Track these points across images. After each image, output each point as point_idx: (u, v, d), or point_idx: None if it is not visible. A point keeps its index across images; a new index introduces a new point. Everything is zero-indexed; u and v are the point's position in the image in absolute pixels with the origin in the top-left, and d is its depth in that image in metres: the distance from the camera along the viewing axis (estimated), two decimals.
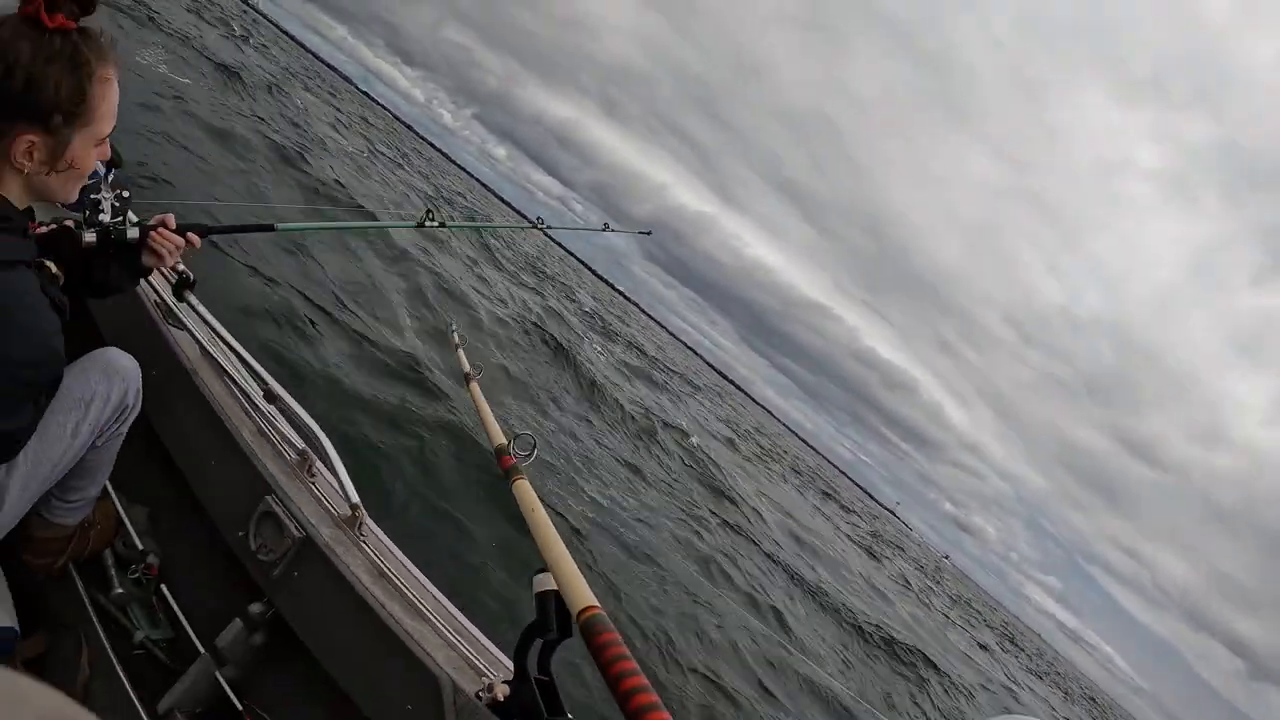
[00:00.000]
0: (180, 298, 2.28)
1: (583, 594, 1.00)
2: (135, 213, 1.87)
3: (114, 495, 2.16)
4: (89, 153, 1.46)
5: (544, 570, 1.21)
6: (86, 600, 2.03)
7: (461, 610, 1.91)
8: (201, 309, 2.31)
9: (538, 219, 3.51)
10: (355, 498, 1.95)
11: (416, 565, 1.97)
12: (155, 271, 2.30)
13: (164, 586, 2.08)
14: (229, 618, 1.93)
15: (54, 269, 1.60)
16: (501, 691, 1.48)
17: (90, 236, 1.76)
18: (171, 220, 1.88)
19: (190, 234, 1.90)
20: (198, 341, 2.30)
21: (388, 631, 1.71)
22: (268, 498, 1.95)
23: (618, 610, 5.18)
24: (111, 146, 1.64)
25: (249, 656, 1.92)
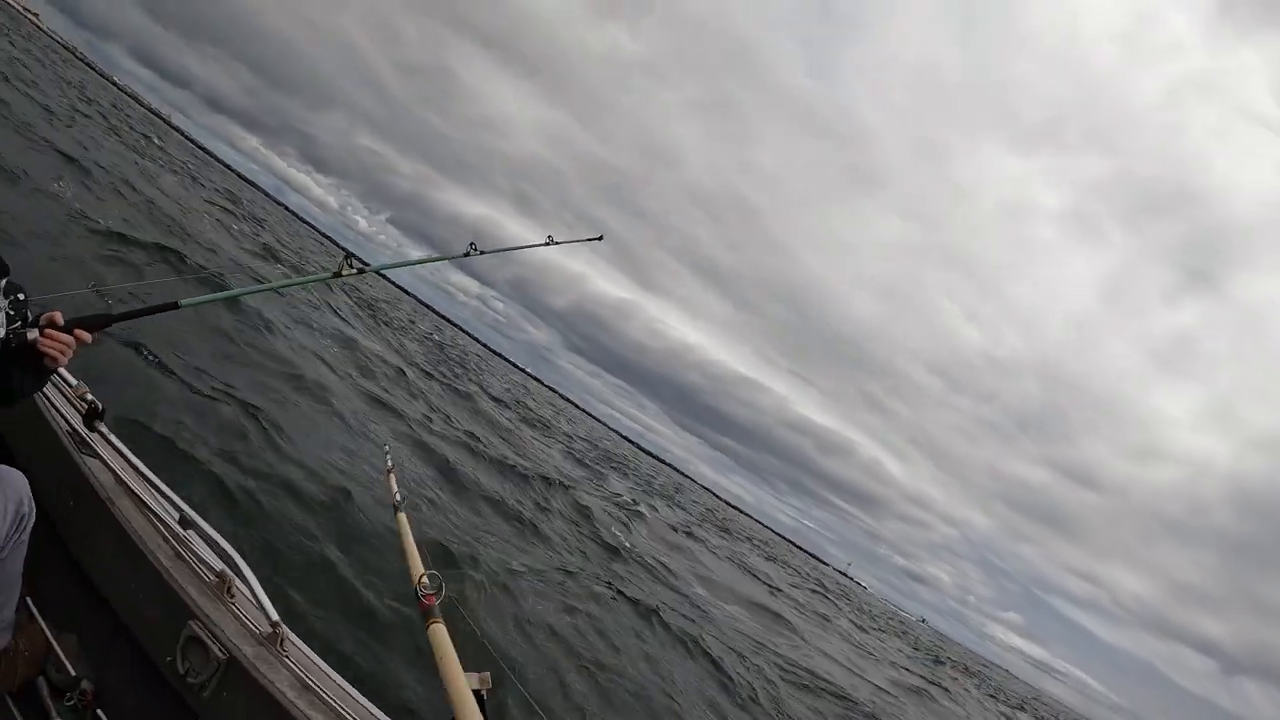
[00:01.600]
0: (91, 428, 2.34)
1: None
2: (31, 312, 1.89)
3: (41, 621, 2.19)
4: None
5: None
6: None
7: (386, 709, 1.95)
8: (113, 438, 2.36)
9: (471, 245, 3.28)
10: (275, 615, 1.97)
11: (344, 677, 2.00)
12: (65, 399, 2.45)
13: (100, 712, 2.10)
14: None
15: None
16: None
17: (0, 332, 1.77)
18: (59, 317, 1.86)
19: (78, 330, 1.87)
20: (111, 470, 2.32)
21: None
22: (191, 622, 1.97)
23: None
24: None
25: None
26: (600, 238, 3.92)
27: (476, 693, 1.46)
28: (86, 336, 1.90)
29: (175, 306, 2.27)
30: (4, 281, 1.86)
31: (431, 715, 4.09)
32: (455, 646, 1.64)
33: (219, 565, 2.14)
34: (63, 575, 2.25)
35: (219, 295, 2.83)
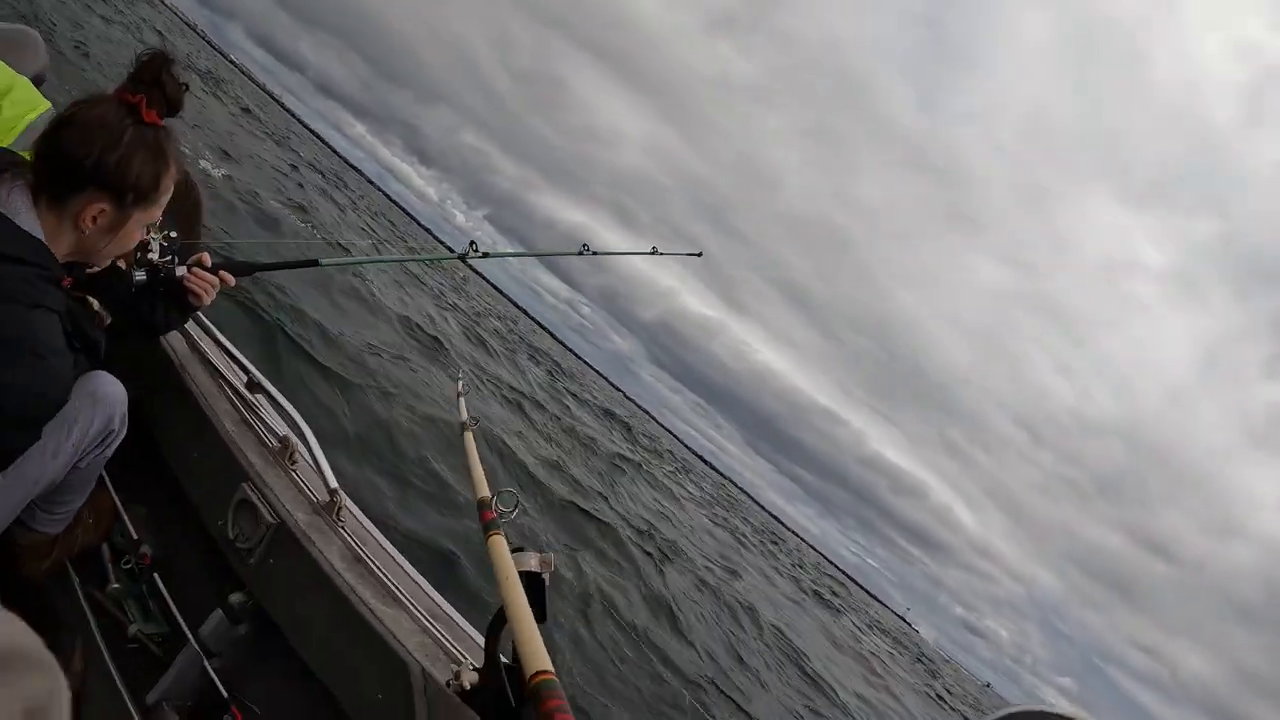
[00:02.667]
0: None
1: (538, 658, 0.98)
2: (180, 255, 1.96)
3: (112, 490, 2.17)
4: (138, 232, 1.64)
5: (522, 550, 1.31)
6: (82, 597, 2.03)
7: (440, 594, 1.89)
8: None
9: (584, 245, 3.43)
10: (334, 483, 1.94)
11: (397, 549, 1.96)
12: None
13: (157, 576, 2.07)
14: (214, 608, 1.92)
15: (96, 307, 1.79)
16: (470, 679, 1.48)
17: (140, 275, 1.84)
18: (207, 259, 1.96)
19: (223, 273, 1.97)
20: (186, 335, 2.33)
21: (360, 619, 1.69)
22: (244, 485, 1.95)
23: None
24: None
25: (234, 647, 1.91)
26: (700, 254, 4.10)
27: (536, 575, 1.37)
28: (230, 280, 1.99)
29: (315, 264, 2.36)
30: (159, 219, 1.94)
31: (491, 600, 3.94)
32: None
33: (284, 430, 2.12)
34: (135, 445, 2.15)
35: (356, 260, 3.01)
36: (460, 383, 3.10)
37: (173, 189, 1.64)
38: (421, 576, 1.92)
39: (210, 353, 2.32)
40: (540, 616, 1.16)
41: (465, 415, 2.45)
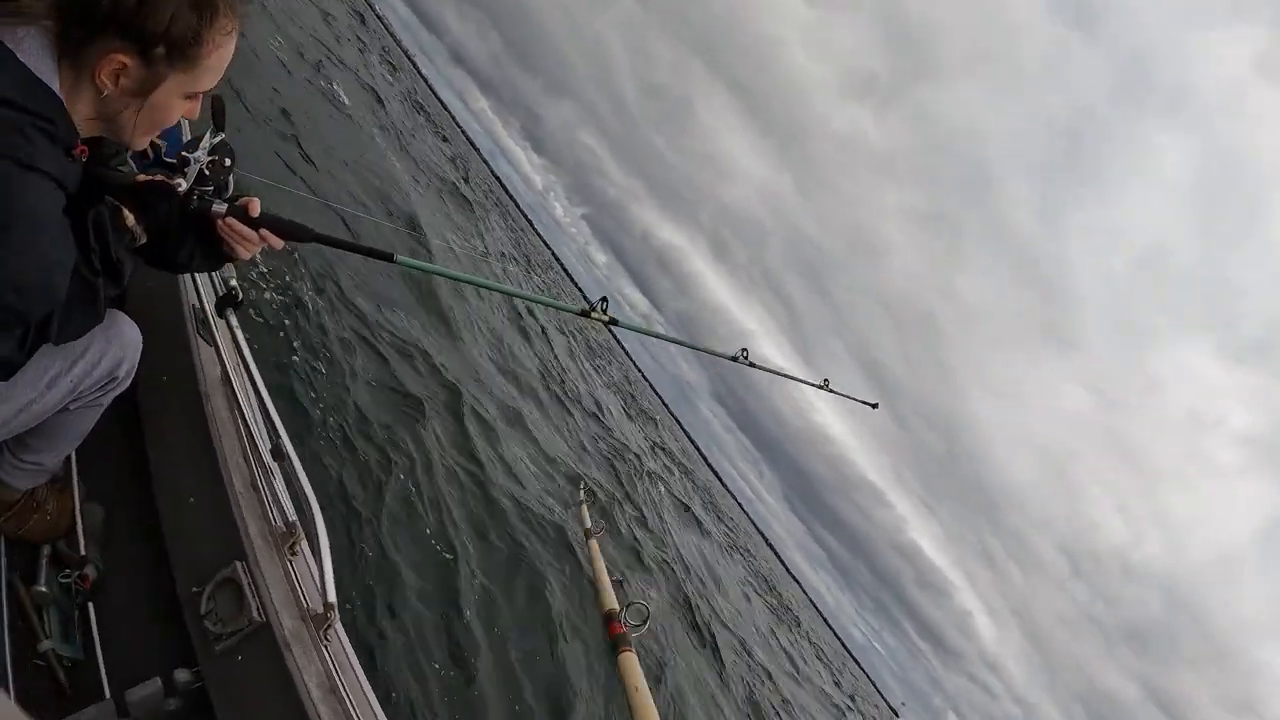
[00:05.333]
0: (221, 313, 2.11)
1: None
2: (231, 185, 1.67)
3: (76, 485, 1.97)
4: (176, 103, 1.34)
5: None
6: (3, 583, 1.78)
7: None
8: (238, 333, 2.10)
9: (742, 350, 2.84)
10: (333, 595, 1.68)
11: (376, 694, 1.70)
12: (207, 281, 2.18)
13: (91, 606, 1.85)
14: (148, 669, 1.70)
15: (130, 221, 1.48)
16: None
17: (183, 183, 1.56)
18: (255, 206, 1.64)
19: (267, 232, 1.65)
20: (221, 364, 2.10)
21: None
22: (237, 563, 1.76)
23: None
24: (221, 103, 1.63)
25: (156, 719, 1.67)
26: (875, 405, 3.53)
27: None
28: (276, 242, 1.69)
29: (390, 259, 2.06)
30: (218, 136, 1.65)
31: None
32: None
33: (293, 515, 1.87)
34: (122, 445, 2.05)
35: (439, 270, 2.57)
36: (582, 490, 3.00)
37: (227, 54, 1.34)
38: None
39: (241, 393, 2.02)
40: None
41: (588, 522, 2.38)
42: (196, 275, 2.18)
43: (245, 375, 2.05)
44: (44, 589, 1.81)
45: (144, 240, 1.54)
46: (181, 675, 1.70)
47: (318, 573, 1.73)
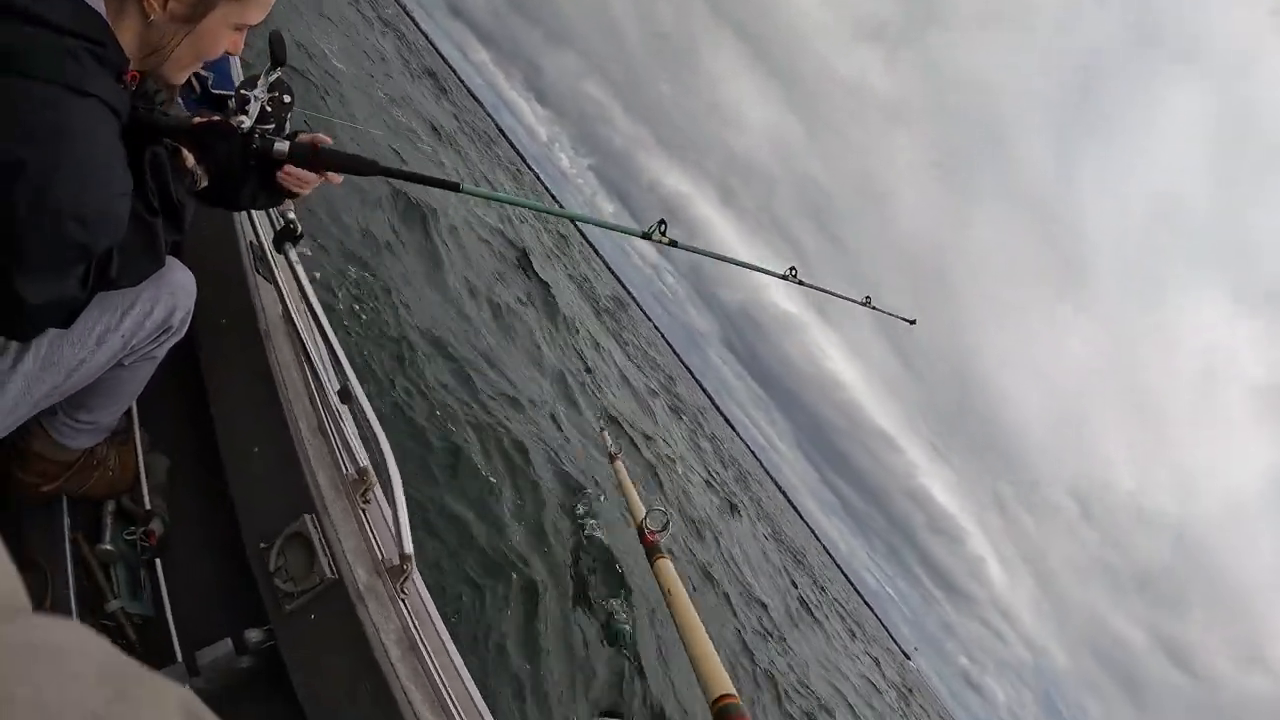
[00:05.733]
0: (279, 248, 2.03)
1: (719, 681, 0.97)
2: (292, 123, 1.62)
3: (138, 437, 1.88)
4: (223, 34, 1.30)
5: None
6: (68, 543, 1.70)
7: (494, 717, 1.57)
8: (298, 268, 2.01)
9: (790, 269, 2.74)
10: (409, 546, 1.59)
11: (459, 650, 1.60)
12: (263, 216, 2.13)
13: (158, 561, 1.77)
14: (218, 628, 1.62)
15: (190, 163, 1.44)
16: None
17: (245, 121, 1.49)
18: (323, 140, 1.58)
19: (328, 173, 1.62)
20: (283, 302, 1.99)
21: (397, 716, 1.42)
22: (306, 517, 1.65)
23: None
24: (280, 38, 1.57)
25: (228, 679, 1.60)
26: (914, 321, 3.56)
27: None
28: (336, 179, 1.65)
29: (456, 188, 1.96)
30: (276, 73, 1.60)
31: None
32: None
33: (363, 460, 1.75)
34: (185, 393, 1.95)
35: (506, 197, 2.46)
36: (602, 424, 3.09)
37: None
38: (476, 685, 1.54)
39: (305, 332, 1.92)
40: None
41: (611, 446, 2.66)
42: (254, 214, 2.10)
43: (308, 313, 1.95)
44: (109, 547, 1.76)
45: (206, 183, 1.48)
46: (253, 635, 1.63)
47: (393, 521, 1.65)
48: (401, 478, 1.66)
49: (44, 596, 1.63)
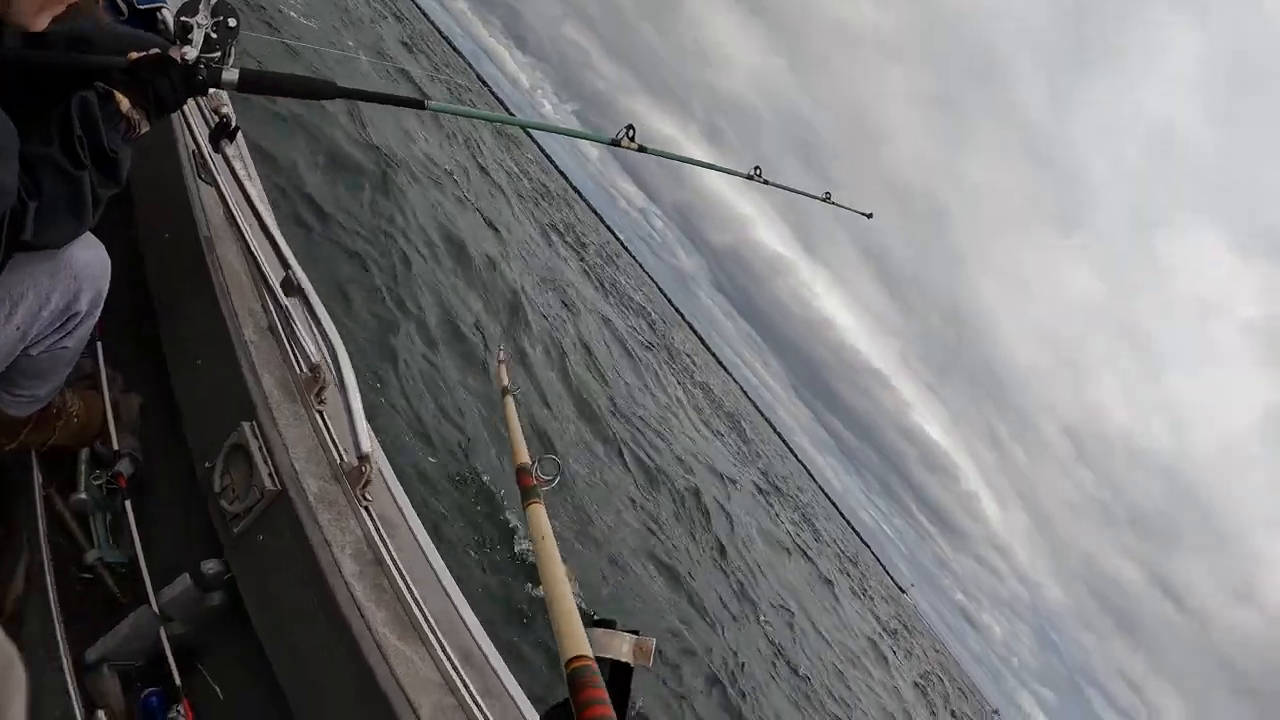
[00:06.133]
0: (216, 147, 1.84)
1: (575, 641, 0.94)
2: (236, 49, 1.51)
3: (104, 379, 1.77)
4: None
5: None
6: (40, 501, 1.63)
7: (486, 632, 1.40)
8: (237, 164, 1.88)
9: (755, 169, 2.88)
10: (367, 444, 1.41)
11: (439, 550, 1.47)
12: (197, 108, 1.97)
13: (128, 505, 1.66)
14: (182, 564, 1.52)
15: (125, 106, 1.28)
16: None
17: (191, 54, 1.39)
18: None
19: (284, 97, 1.58)
20: (224, 202, 1.86)
21: (356, 647, 1.23)
22: (245, 425, 1.50)
23: None
24: None
25: (200, 618, 1.51)
26: (870, 215, 3.69)
27: (624, 665, 1.42)
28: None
29: (421, 106, 1.97)
30: None
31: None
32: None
33: (315, 356, 1.63)
34: (140, 325, 1.84)
35: (473, 112, 2.57)
36: (501, 351, 3.19)
37: None
38: (464, 598, 1.43)
39: (247, 228, 1.82)
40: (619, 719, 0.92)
41: (505, 380, 2.53)
42: (187, 113, 1.94)
43: (248, 208, 1.83)
44: (84, 496, 1.70)
45: (146, 128, 1.35)
46: (209, 566, 1.51)
47: (347, 419, 1.46)
48: (355, 373, 1.50)
49: (14, 569, 1.57)
